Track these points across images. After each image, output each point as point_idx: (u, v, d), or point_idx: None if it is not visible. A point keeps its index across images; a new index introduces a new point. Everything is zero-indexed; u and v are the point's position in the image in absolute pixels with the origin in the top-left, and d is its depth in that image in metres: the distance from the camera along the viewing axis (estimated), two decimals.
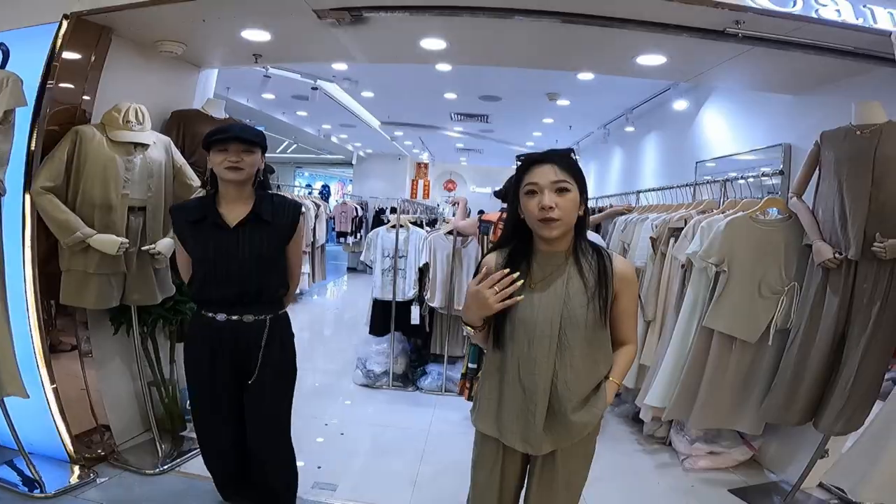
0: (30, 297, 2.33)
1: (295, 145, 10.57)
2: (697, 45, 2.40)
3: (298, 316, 6.54)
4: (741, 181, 2.87)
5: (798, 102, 3.17)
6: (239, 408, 1.82)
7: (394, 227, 4.03)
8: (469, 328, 1.35)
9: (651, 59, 2.84)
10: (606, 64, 3.21)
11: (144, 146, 2.50)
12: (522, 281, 1.27)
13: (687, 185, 3.47)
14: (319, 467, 2.64)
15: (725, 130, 4.18)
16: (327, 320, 6.91)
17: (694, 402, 2.58)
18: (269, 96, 6.44)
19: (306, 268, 6.64)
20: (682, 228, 2.93)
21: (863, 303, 2.11)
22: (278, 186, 6.80)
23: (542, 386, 1.30)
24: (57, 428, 2.41)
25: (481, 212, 4.36)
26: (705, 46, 2.42)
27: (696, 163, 4.41)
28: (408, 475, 2.64)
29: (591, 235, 3.67)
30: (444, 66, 5.09)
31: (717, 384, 2.54)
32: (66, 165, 2.32)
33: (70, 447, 2.44)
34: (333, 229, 9.50)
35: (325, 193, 16.10)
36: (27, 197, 2.29)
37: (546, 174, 1.28)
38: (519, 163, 1.36)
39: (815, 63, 2.50)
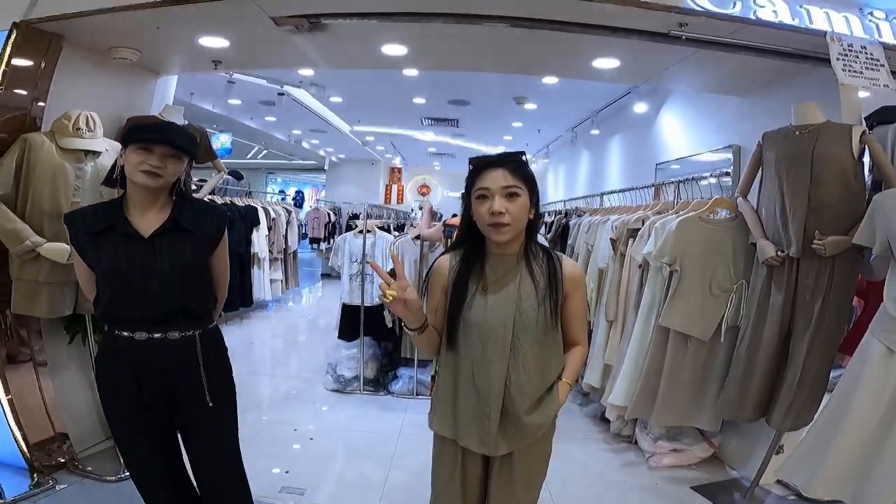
0: None
1: (265, 151, 10.46)
2: (646, 48, 2.49)
3: (273, 323, 6.56)
4: (695, 182, 2.96)
5: (746, 104, 3.29)
6: (171, 438, 1.62)
7: (361, 232, 4.04)
8: (407, 330, 1.36)
9: (606, 63, 2.93)
10: (566, 67, 3.29)
11: (96, 154, 2.47)
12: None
13: (646, 186, 3.57)
14: (287, 472, 2.64)
15: (682, 132, 4.32)
16: (301, 326, 6.85)
17: (654, 400, 2.64)
18: (235, 102, 6.37)
19: (279, 274, 6.54)
20: (640, 229, 3.02)
21: (805, 299, 2.19)
22: (249, 193, 6.69)
23: (495, 388, 1.32)
24: (14, 436, 2.38)
25: (454, 215, 4.41)
26: (654, 49, 2.51)
27: (656, 164, 4.54)
28: (377, 479, 2.64)
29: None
30: (411, 71, 5.15)
31: (674, 382, 2.60)
32: (15, 173, 2.28)
33: (28, 455, 2.41)
34: (306, 235, 9.42)
35: (298, 199, 15.93)
36: None
37: (497, 179, 1.29)
38: (471, 167, 1.37)
39: (759, 65, 2.61)
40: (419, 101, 6.38)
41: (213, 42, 2.80)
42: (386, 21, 2.43)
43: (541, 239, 1.75)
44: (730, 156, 3.38)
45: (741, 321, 2.48)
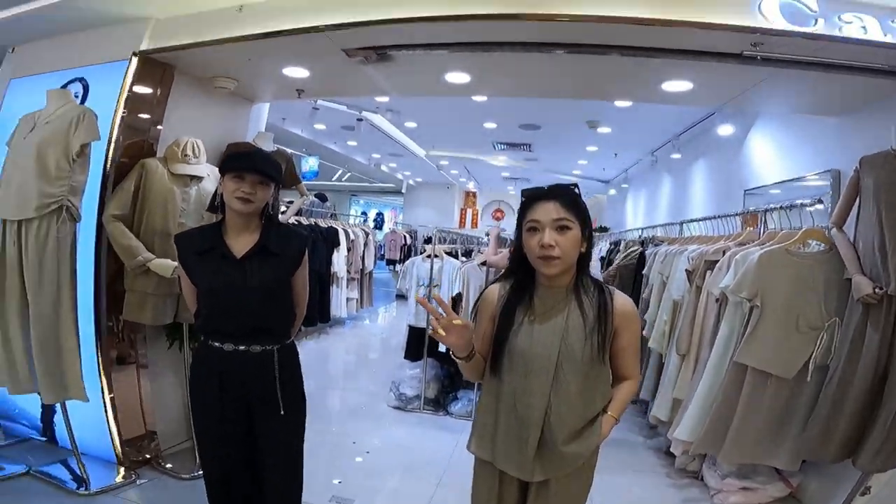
0: (97, 314, 2.58)
1: (349, 174, 11.04)
2: (720, 69, 2.36)
3: (347, 339, 6.81)
4: (785, 211, 2.71)
5: (844, 125, 3.00)
6: (245, 439, 1.75)
7: (429, 256, 4.12)
8: (455, 357, 1.38)
9: (677, 86, 2.81)
10: (635, 91, 3.19)
11: (199, 178, 2.74)
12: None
13: (728, 215, 3.33)
14: (340, 482, 2.73)
15: (774, 156, 3.99)
16: (372, 344, 7.05)
17: (724, 436, 2.48)
18: (320, 126, 6.82)
19: (355, 293, 6.80)
20: (719, 261, 2.81)
21: None
22: (334, 215, 7.05)
23: (535, 416, 1.32)
24: (110, 432, 2.62)
25: None
26: (729, 70, 2.37)
27: (745, 191, 4.23)
28: (423, 497, 2.65)
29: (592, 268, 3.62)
30: (480, 97, 5.24)
31: (749, 419, 2.42)
32: (133, 196, 2.58)
33: (118, 450, 2.64)
34: (383, 256, 9.75)
35: (379, 221, 16.61)
36: (99, 223, 2.55)
37: (548, 212, 1.30)
38: (523, 199, 1.39)
39: (854, 83, 2.38)
40: (490, 125, 6.46)
41: (296, 72, 3.04)
42: (447, 51, 2.51)
43: (595, 271, 1.70)
44: (827, 182, 3.08)
45: (832, 360, 2.22)
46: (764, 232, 2.83)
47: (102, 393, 2.58)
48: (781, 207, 2.70)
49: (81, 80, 2.74)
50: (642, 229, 5.54)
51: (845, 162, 2.99)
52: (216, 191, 1.75)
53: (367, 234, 7.00)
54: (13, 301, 2.30)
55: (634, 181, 8.78)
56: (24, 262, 2.27)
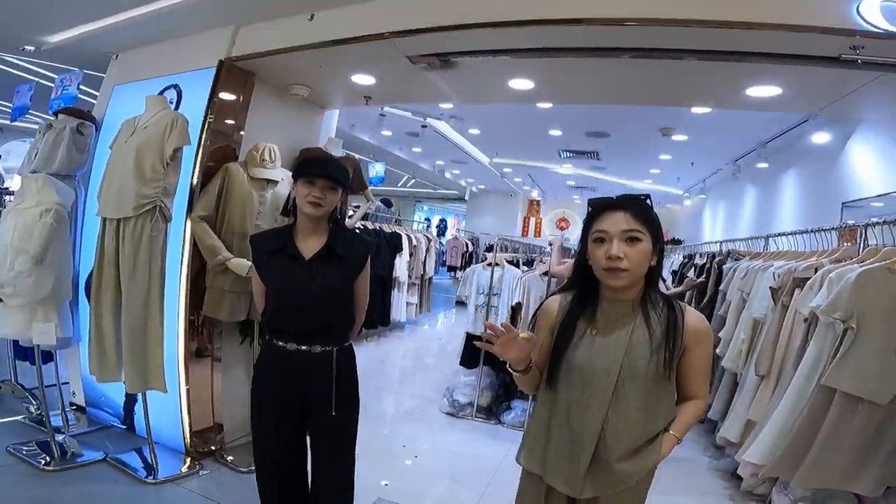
0: (180, 308, 2.72)
1: (413, 180, 11.22)
2: (814, 73, 2.15)
3: (405, 343, 6.87)
4: (885, 225, 2.42)
5: None
6: (299, 436, 1.78)
7: (490, 265, 4.08)
8: (511, 370, 1.35)
9: (764, 91, 2.58)
10: (714, 97, 2.99)
11: (274, 182, 2.86)
12: (530, 336, 1.26)
13: (820, 230, 3.02)
14: (386, 484, 2.72)
15: (876, 166, 3.59)
16: (430, 349, 7.06)
17: (801, 460, 2.27)
18: (386, 133, 6.97)
19: (415, 298, 6.90)
20: (810, 279, 2.54)
21: None
22: (399, 221, 7.14)
23: (590, 432, 1.27)
24: (182, 423, 2.74)
25: None
26: (822, 75, 2.16)
27: (843, 203, 3.83)
28: None
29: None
30: (545, 104, 5.13)
31: (833, 445, 2.20)
32: (217, 198, 2.73)
33: (187, 441, 2.76)
34: (444, 263, 9.79)
35: (442, 227, 16.75)
36: (187, 223, 2.71)
37: (617, 222, 1.25)
38: (590, 208, 1.33)
39: None
40: (555, 133, 6.31)
41: (363, 79, 3.11)
42: (510, 57, 2.46)
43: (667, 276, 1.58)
44: None
45: None
46: (864, 248, 2.53)
47: (179, 385, 2.69)
48: (885, 222, 2.40)
49: (175, 86, 2.94)
50: (721, 242, 5.16)
51: None
52: (289, 195, 1.81)
53: (429, 241, 7.08)
54: (108, 293, 2.47)
55: (713, 192, 8.26)
56: (121, 258, 2.43)
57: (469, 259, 9.74)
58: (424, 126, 6.04)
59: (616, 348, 1.26)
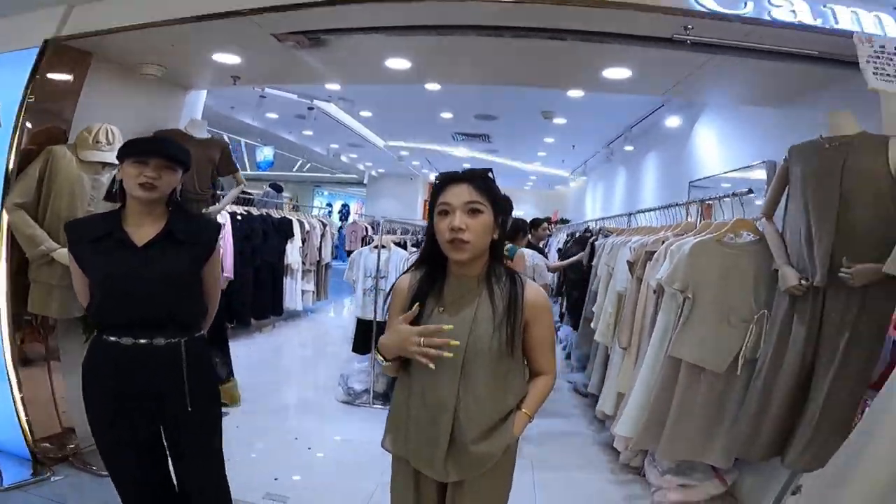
0: (2, 308, 2.45)
1: (309, 164, 10.78)
2: (656, 56, 2.35)
3: (302, 332, 6.64)
4: (725, 201, 2.73)
5: (780, 116, 3.05)
6: (153, 442, 1.65)
7: (376, 247, 4.03)
8: (381, 358, 1.32)
9: (617, 73, 2.79)
10: (578, 79, 3.17)
11: (112, 165, 2.57)
12: (454, 330, 1.23)
13: (665, 206, 3.36)
14: (276, 479, 2.64)
15: (717, 148, 4.06)
16: (328, 337, 6.86)
17: (662, 432, 2.47)
18: (272, 115, 6.60)
19: (311, 286, 6.69)
20: (657, 252, 2.82)
21: (830, 333, 1.95)
22: (295, 206, 6.85)
23: (444, 413, 1.27)
24: (22, 428, 2.52)
25: None
26: (664, 57, 2.36)
27: (689, 182, 4.28)
28: (362, 495, 2.57)
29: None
30: (433, 86, 5.17)
31: (685, 415, 2.41)
32: (38, 183, 2.44)
33: (32, 446, 2.54)
34: (345, 248, 9.57)
35: (344, 212, 16.32)
36: (2, 213, 2.42)
37: (459, 194, 1.25)
38: (436, 181, 1.33)
39: (789, 72, 2.40)
40: (446, 115, 6.38)
41: (227, 59, 2.89)
42: (383, 36, 2.41)
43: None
44: (764, 171, 3.13)
45: (760, 354, 2.24)
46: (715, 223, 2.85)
47: (12, 389, 2.49)
48: (711, 200, 2.72)
49: None
50: (597, 220, 5.58)
51: (780, 153, 3.02)
52: (114, 177, 1.64)
53: (324, 225, 6.90)
54: None
55: (593, 173, 8.87)
56: None
57: (369, 243, 9.61)
58: (311, 108, 5.80)
59: (462, 326, 1.25)
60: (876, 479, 1.53)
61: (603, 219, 5.41)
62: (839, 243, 1.90)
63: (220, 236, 1.75)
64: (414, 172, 11.65)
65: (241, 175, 3.62)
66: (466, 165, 10.45)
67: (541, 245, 5.12)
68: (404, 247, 4.40)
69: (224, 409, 3.34)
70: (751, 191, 2.46)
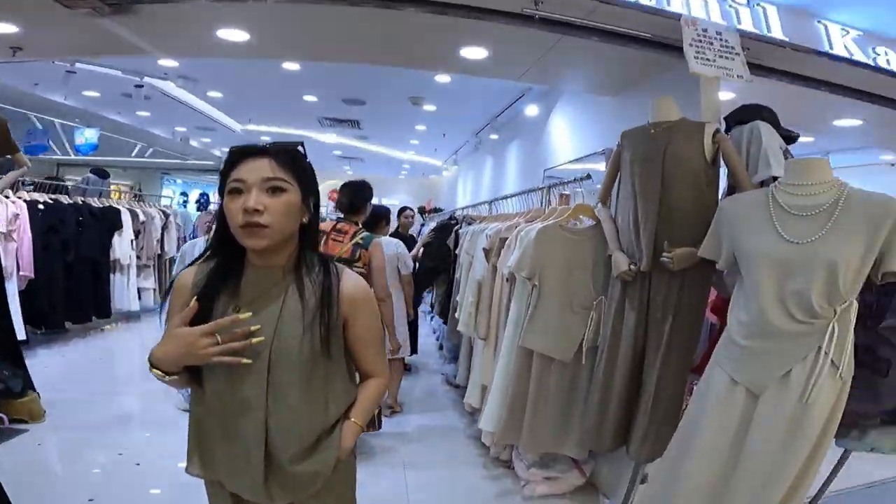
0: None
1: (151, 150, 9.45)
2: (507, 33, 2.28)
3: (140, 334, 5.78)
4: (560, 188, 2.76)
5: (619, 104, 3.18)
6: None
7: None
8: (158, 373, 1.02)
9: (474, 52, 2.70)
10: (433, 58, 3.04)
11: None
12: (258, 332, 1.02)
13: (519, 193, 3.36)
14: (91, 500, 2.27)
15: (569, 136, 4.19)
16: None
17: (522, 425, 2.41)
18: (92, 94, 5.59)
19: (150, 283, 5.99)
20: (509, 238, 2.77)
21: (657, 318, 1.98)
22: (139, 197, 6.00)
23: (252, 430, 1.05)
24: None
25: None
26: (515, 34, 2.29)
27: (544, 171, 4.39)
28: None
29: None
30: (292, 65, 4.74)
31: (540, 406, 2.38)
32: None
33: None
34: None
35: (203, 202, 14.74)
36: None
37: (258, 169, 1.02)
38: (228, 156, 1.08)
39: (627, 57, 2.46)
40: (310, 98, 5.93)
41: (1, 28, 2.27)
42: (205, 2, 2.06)
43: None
44: (604, 159, 3.24)
45: (600, 342, 2.27)
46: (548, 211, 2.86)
47: None
48: (551, 186, 2.73)
49: None
50: (463, 209, 5.56)
51: (616, 141, 3.18)
52: None
53: (166, 216, 6.13)
54: None
55: (463, 162, 8.95)
56: None
57: None
58: (140, 86, 5.01)
59: (266, 326, 1.03)
60: (707, 470, 1.55)
61: (467, 207, 5.40)
62: (662, 228, 1.93)
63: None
64: None
65: (23, 156, 2.91)
66: (337, 153, 10.00)
67: (410, 233, 4.96)
68: None
69: (24, 426, 2.82)
70: (589, 176, 2.48)
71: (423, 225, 7.15)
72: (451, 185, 10.74)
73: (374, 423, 2.92)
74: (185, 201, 15.40)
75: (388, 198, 12.41)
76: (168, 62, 4.72)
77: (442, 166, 10.04)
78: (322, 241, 2.75)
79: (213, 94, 5.87)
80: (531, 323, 2.37)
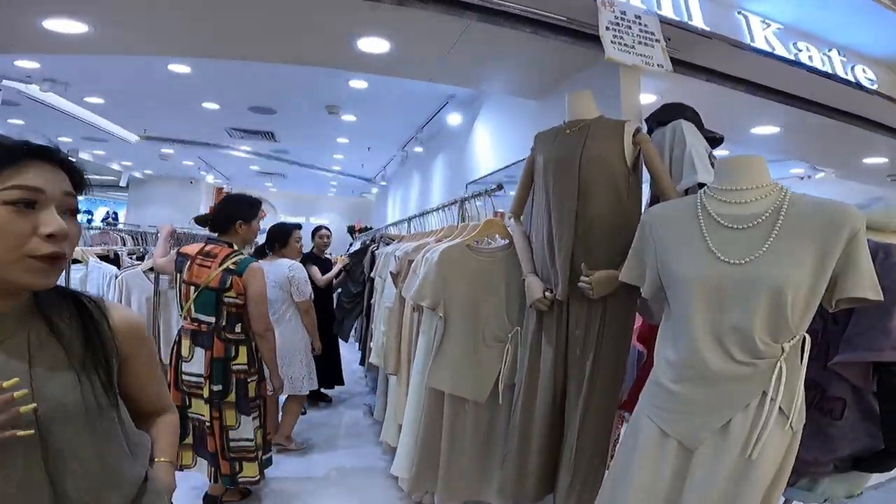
0: None
1: None
2: (406, 20, 1.98)
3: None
4: (470, 203, 2.43)
5: (542, 107, 2.93)
6: None
7: (74, 261, 2.96)
8: None
9: (374, 45, 2.35)
10: (329, 52, 2.63)
11: None
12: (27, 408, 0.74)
13: (433, 210, 3.02)
14: None
15: (491, 145, 3.92)
16: None
17: (437, 470, 2.08)
18: None
19: None
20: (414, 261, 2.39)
21: (576, 354, 1.68)
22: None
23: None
24: None
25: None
26: (416, 23, 2.01)
27: (467, 184, 4.09)
28: None
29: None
30: (181, 68, 4.19)
31: (456, 451, 2.04)
32: None
33: None
34: None
35: (113, 220, 13.55)
36: None
37: (57, 181, 0.78)
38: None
39: (545, 51, 2.21)
40: (211, 106, 5.34)
41: None
42: None
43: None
44: None
45: (517, 379, 1.93)
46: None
47: None
48: (465, 199, 2.41)
49: None
50: (385, 227, 5.17)
51: None
52: None
53: None
54: None
55: (392, 180, 8.59)
56: None
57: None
58: None
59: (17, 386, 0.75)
60: None
61: (388, 225, 5.01)
62: (579, 247, 1.63)
63: None
64: (196, 176, 9.97)
65: None
66: (254, 168, 9.31)
67: (327, 255, 4.50)
68: (116, 260, 3.37)
69: None
70: (500, 186, 2.15)
71: (350, 245, 6.69)
72: (379, 203, 10.34)
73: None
74: (90, 219, 13.99)
75: (317, 217, 11.77)
76: (26, 63, 4.07)
77: (372, 183, 9.59)
78: (186, 267, 2.26)
79: (91, 99, 5.14)
80: (438, 360, 2.00)
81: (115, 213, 13.93)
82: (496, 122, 3.91)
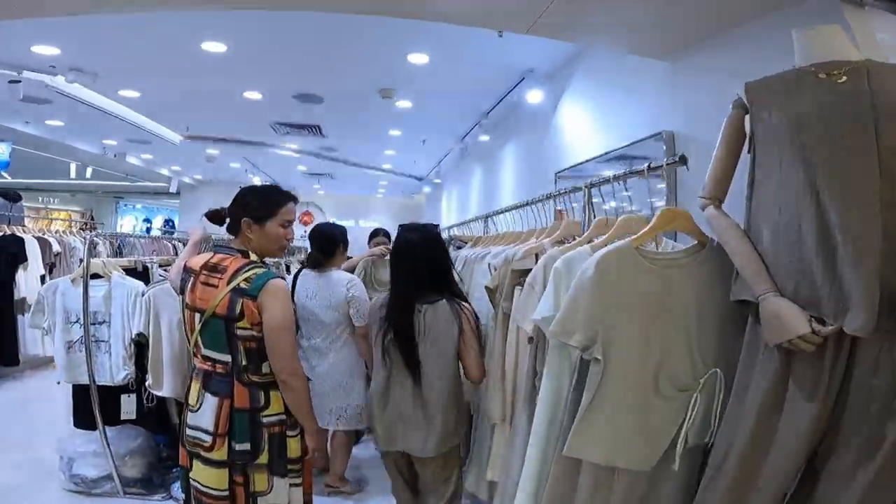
0: None
1: (90, 169, 8.21)
2: None
3: (43, 388, 4.61)
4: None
5: (676, 70, 2.20)
6: None
7: (94, 276, 2.60)
8: None
9: None
10: None
11: None
12: None
13: (529, 203, 2.35)
14: None
15: (588, 126, 3.20)
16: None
17: None
18: None
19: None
20: (530, 271, 1.70)
21: (868, 412, 1.00)
22: (88, 225, 5.76)
23: None
24: None
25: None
26: None
27: (556, 174, 3.38)
28: None
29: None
30: (214, 46, 3.67)
31: None
32: None
33: None
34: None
35: (170, 229, 13.69)
36: None
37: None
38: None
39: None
40: (253, 95, 4.84)
41: None
42: None
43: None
44: (657, 150, 2.26)
45: (713, 439, 1.26)
46: (589, 224, 1.81)
47: None
48: (560, 193, 1.74)
49: None
50: (447, 228, 4.53)
51: (678, 120, 2.18)
52: None
53: (94, 246, 5.03)
54: None
55: (448, 177, 7.97)
56: None
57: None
58: (16, 81, 3.93)
59: None
60: None
61: (453, 226, 4.36)
62: (889, 249, 0.94)
63: None
64: (241, 179, 9.66)
65: None
66: (301, 168, 8.87)
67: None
68: (144, 275, 2.88)
69: None
70: (684, 159, 1.43)
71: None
72: (433, 203, 9.74)
73: None
74: (149, 228, 14.09)
75: (367, 219, 11.28)
76: (44, 48, 3.63)
77: (423, 182, 8.96)
78: (189, 286, 1.65)
79: (125, 93, 4.70)
80: (588, 422, 1.32)
81: (172, 221, 13.98)
82: (594, 96, 3.18)
